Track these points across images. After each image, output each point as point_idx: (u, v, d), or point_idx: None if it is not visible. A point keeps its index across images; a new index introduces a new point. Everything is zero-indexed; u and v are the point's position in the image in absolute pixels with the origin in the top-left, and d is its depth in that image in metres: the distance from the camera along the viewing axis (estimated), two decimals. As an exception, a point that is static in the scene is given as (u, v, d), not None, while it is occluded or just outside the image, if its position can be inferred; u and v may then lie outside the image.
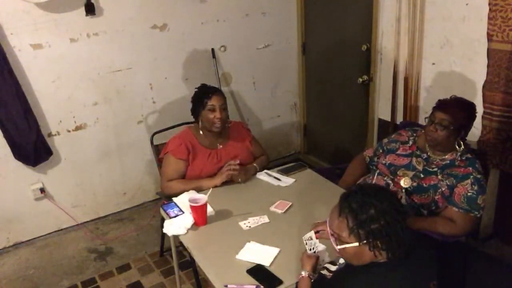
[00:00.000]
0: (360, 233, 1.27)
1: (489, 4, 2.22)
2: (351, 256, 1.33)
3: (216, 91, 2.30)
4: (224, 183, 2.26)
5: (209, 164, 2.29)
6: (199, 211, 1.91)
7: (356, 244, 1.28)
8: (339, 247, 1.33)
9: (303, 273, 1.51)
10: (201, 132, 2.33)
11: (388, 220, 1.26)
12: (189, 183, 2.25)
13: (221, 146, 2.35)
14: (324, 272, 1.50)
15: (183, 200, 2.07)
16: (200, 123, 2.31)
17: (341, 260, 1.48)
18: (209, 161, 2.30)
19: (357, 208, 1.28)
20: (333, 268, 1.51)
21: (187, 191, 2.18)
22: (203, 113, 2.27)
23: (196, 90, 2.34)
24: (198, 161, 2.29)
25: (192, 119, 2.39)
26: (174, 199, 2.13)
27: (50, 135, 2.93)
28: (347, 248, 1.31)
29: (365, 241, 1.28)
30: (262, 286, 1.55)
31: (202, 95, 2.27)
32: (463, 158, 1.98)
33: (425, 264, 1.41)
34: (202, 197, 1.94)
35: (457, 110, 1.92)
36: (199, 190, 2.19)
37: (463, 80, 2.48)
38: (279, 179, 2.30)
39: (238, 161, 2.30)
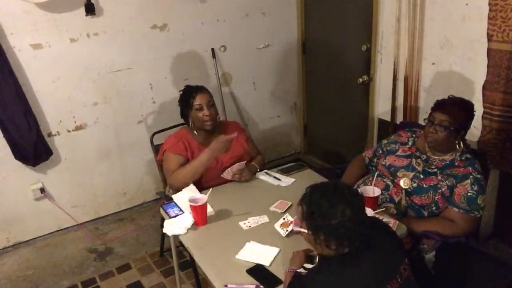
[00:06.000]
0: (308, 223, 1.37)
1: (489, 4, 2.22)
2: (309, 243, 1.41)
3: (200, 90, 2.29)
4: (225, 183, 2.27)
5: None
6: (199, 211, 1.91)
7: (306, 231, 1.38)
8: (295, 228, 1.45)
9: (290, 268, 1.55)
10: (195, 132, 2.33)
11: (330, 222, 1.31)
12: (190, 164, 2.20)
13: None
14: (301, 270, 1.54)
15: (183, 200, 2.07)
16: (191, 124, 2.31)
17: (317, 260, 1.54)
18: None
19: (310, 201, 1.36)
20: (310, 267, 1.55)
21: (194, 172, 2.17)
22: (192, 114, 2.27)
23: (180, 92, 2.34)
24: None
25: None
26: (174, 199, 2.13)
27: (50, 135, 2.93)
28: (303, 234, 1.40)
29: (310, 232, 1.37)
30: (262, 286, 1.56)
31: (187, 96, 2.27)
32: (463, 158, 1.98)
33: (390, 251, 1.44)
34: (202, 197, 1.94)
35: (456, 110, 1.92)
36: (203, 165, 2.16)
37: (462, 80, 2.48)
38: (279, 179, 2.30)
39: (245, 162, 2.30)
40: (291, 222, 1.84)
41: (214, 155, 2.19)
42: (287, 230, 1.83)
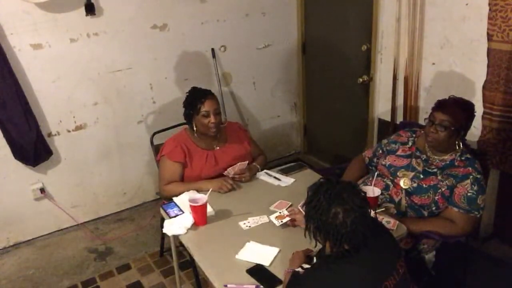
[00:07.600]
0: (305, 209, 1.41)
1: (489, 4, 2.23)
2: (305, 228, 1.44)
3: (209, 95, 2.26)
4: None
5: (208, 166, 2.29)
6: (199, 211, 1.91)
7: (303, 213, 1.43)
8: (298, 206, 1.52)
9: (290, 269, 1.56)
10: (196, 135, 2.33)
11: (321, 218, 1.34)
12: (187, 185, 2.24)
13: (218, 148, 2.35)
14: (299, 269, 1.54)
15: (183, 200, 2.07)
16: (194, 127, 2.30)
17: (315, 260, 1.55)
18: (207, 163, 2.30)
19: (315, 191, 1.38)
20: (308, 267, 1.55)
21: (187, 191, 2.18)
22: (197, 118, 2.26)
23: (187, 94, 2.32)
24: (196, 163, 2.29)
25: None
26: (174, 199, 2.13)
27: (50, 135, 2.93)
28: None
29: (305, 218, 1.41)
30: (261, 286, 1.56)
31: (195, 100, 2.25)
32: (463, 158, 1.99)
33: (387, 248, 1.45)
34: (202, 197, 1.94)
35: (457, 110, 1.92)
36: (198, 191, 2.18)
37: (463, 80, 2.48)
38: (279, 179, 2.30)
39: (246, 162, 2.30)
40: (287, 216, 1.89)
41: (211, 189, 2.08)
42: (281, 221, 1.88)
